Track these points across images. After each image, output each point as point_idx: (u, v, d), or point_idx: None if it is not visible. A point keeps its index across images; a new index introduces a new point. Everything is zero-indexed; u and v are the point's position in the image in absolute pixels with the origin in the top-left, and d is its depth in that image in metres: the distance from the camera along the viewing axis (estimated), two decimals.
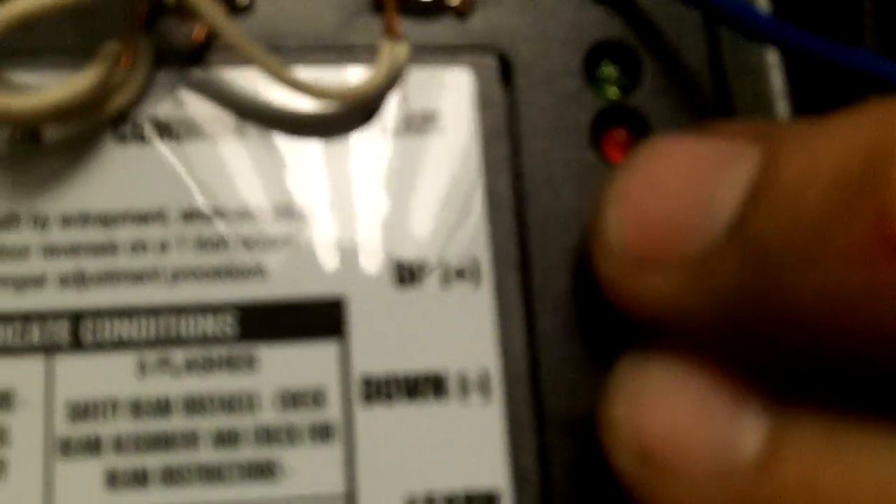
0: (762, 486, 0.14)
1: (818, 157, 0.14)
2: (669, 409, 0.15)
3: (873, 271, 0.13)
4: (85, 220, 0.17)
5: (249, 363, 0.17)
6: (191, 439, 0.17)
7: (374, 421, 0.17)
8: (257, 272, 0.17)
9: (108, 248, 0.17)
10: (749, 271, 0.14)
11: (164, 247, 0.17)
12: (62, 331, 0.17)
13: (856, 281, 0.13)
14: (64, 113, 0.17)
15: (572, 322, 0.18)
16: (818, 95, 0.19)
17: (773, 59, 0.20)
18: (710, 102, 0.19)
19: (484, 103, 0.19)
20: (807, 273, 0.13)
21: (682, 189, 0.16)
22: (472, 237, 0.18)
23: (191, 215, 0.18)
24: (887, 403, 0.14)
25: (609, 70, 0.20)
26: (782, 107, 0.19)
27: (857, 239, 0.13)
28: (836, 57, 0.17)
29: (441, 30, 0.19)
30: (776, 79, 0.20)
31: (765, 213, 0.14)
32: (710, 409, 0.15)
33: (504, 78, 0.19)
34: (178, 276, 0.17)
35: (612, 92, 0.20)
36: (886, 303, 0.13)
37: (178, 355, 0.17)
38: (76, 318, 0.17)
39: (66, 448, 0.17)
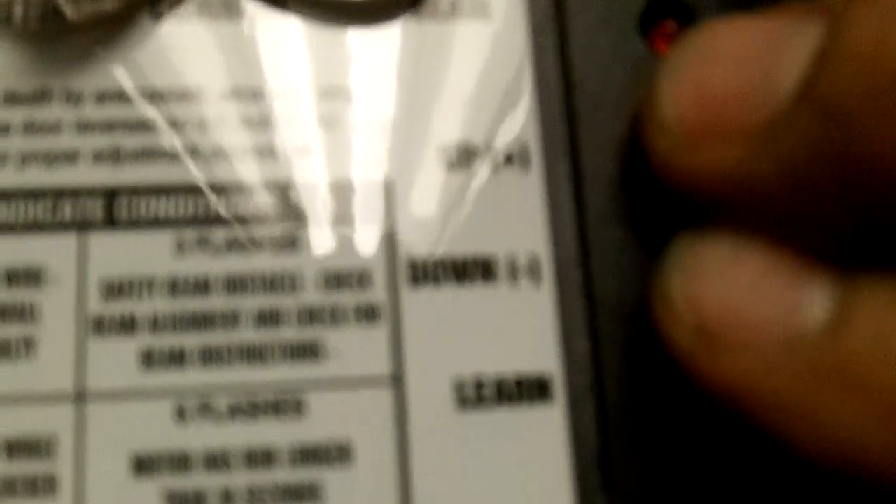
0: (833, 353, 0.13)
1: (892, 17, 0.13)
2: (728, 283, 0.14)
3: None
4: (121, 96, 0.16)
5: (292, 243, 0.16)
6: (231, 319, 0.16)
7: (422, 303, 0.16)
8: (301, 152, 0.16)
9: (146, 125, 0.16)
10: (823, 130, 0.13)
11: (203, 125, 0.16)
12: (96, 207, 0.16)
13: None
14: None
15: (622, 207, 0.17)
16: None
17: None
18: None
19: None
20: (886, 122, 0.13)
21: (741, 59, 0.15)
22: (522, 122, 0.17)
23: (231, 94, 0.16)
24: None
25: None
26: None
27: None
28: None
29: None
30: None
31: (838, 71, 0.13)
32: (771, 281, 0.14)
33: None
34: (218, 154, 0.16)
35: None
36: None
37: (219, 234, 0.16)
38: (111, 194, 0.16)
39: (100, 326, 0.15)
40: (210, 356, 0.15)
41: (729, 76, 0.15)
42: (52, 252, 0.16)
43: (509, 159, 0.17)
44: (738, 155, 0.14)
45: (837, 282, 0.14)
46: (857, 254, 0.14)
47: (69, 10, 0.16)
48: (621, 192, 0.17)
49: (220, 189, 0.16)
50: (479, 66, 0.17)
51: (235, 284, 0.16)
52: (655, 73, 0.16)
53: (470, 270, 0.16)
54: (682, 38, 0.16)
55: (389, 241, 0.16)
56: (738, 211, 0.15)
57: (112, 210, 0.16)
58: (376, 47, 0.17)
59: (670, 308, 0.15)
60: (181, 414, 0.15)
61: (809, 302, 0.14)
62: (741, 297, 0.14)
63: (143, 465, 0.15)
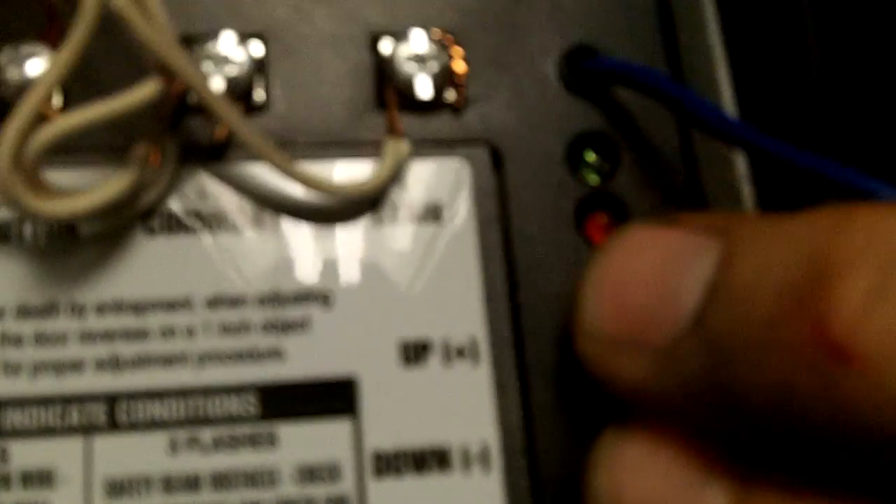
0: None
1: (769, 259, 0.15)
2: (643, 481, 0.16)
3: (816, 372, 0.13)
4: (118, 307, 0.18)
5: (271, 440, 0.18)
6: None
7: (385, 493, 0.18)
8: (277, 355, 0.18)
9: (140, 334, 0.18)
10: (709, 361, 0.15)
11: (191, 332, 0.18)
12: (99, 412, 0.17)
13: (801, 379, 0.14)
14: (99, 213, 0.18)
15: (566, 395, 0.19)
16: (781, 183, 0.20)
17: (740, 155, 0.20)
18: (682, 188, 0.20)
19: (478, 192, 0.19)
20: (758, 368, 0.14)
21: (650, 277, 0.16)
22: (471, 318, 0.19)
23: (215, 302, 0.18)
24: (837, 475, 0.14)
25: (590, 158, 0.20)
26: (747, 192, 0.20)
27: (802, 340, 0.13)
28: (797, 161, 0.17)
29: (438, 124, 0.20)
30: (741, 167, 0.20)
31: (721, 309, 0.15)
32: (678, 481, 0.16)
33: (495, 167, 0.20)
34: (205, 359, 0.18)
35: (594, 179, 0.20)
36: (828, 401, 0.13)
37: (207, 434, 0.18)
38: (112, 399, 0.18)
39: None
40: None
41: (639, 294, 0.16)
42: (61, 455, 0.17)
43: (461, 353, 0.18)
44: (644, 368, 0.16)
45: (734, 488, 0.15)
46: (752, 456, 0.16)
47: (85, 228, 0.18)
48: (563, 381, 0.19)
49: (205, 391, 0.18)
50: (433, 265, 0.19)
51: (222, 480, 0.17)
52: (580, 281, 0.17)
53: (427, 460, 0.18)
54: (604, 246, 0.17)
55: (356, 434, 0.18)
56: (652, 412, 0.16)
57: (114, 414, 0.17)
58: (340, 249, 0.19)
59: (596, 501, 0.16)
60: None
61: (708, 502, 0.15)
62: (654, 494, 0.16)
63: None
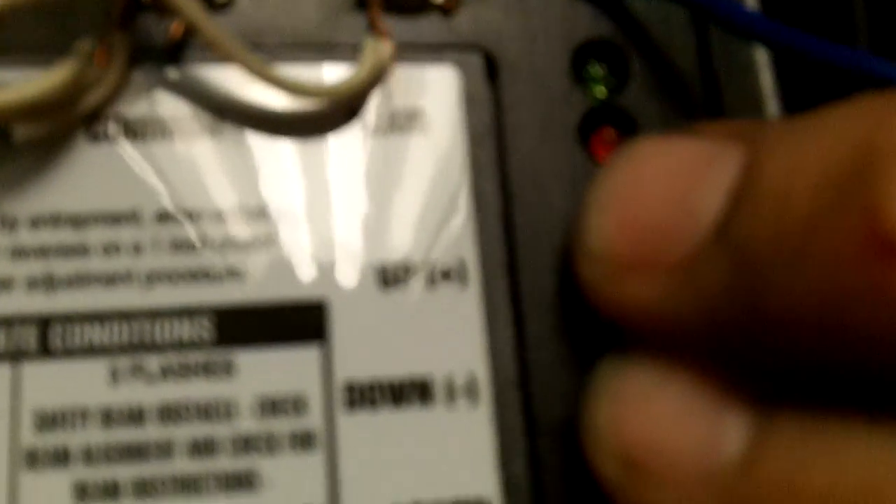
0: (746, 486, 0.13)
1: (805, 153, 0.13)
2: (651, 413, 0.14)
3: (866, 272, 0.12)
4: (55, 221, 0.16)
5: (227, 369, 0.15)
6: (165, 449, 0.15)
7: (358, 429, 0.15)
8: (235, 275, 0.16)
9: (80, 251, 0.16)
10: (736, 275, 0.13)
11: (137, 249, 0.16)
12: (29, 336, 0.15)
13: (847, 283, 0.12)
14: (35, 111, 0.15)
15: (562, 324, 0.16)
16: (809, 95, 0.18)
17: (762, 59, 0.18)
18: (698, 102, 0.18)
19: (469, 102, 0.17)
20: (796, 275, 0.12)
21: (664, 192, 0.14)
22: (459, 238, 0.16)
23: (165, 217, 0.16)
24: (871, 400, 0.13)
25: (597, 69, 0.18)
26: (772, 106, 0.18)
27: (847, 238, 0.12)
28: (826, 55, 0.15)
29: (426, 27, 0.18)
30: (766, 78, 0.18)
31: (749, 214, 0.13)
32: (691, 411, 0.14)
33: (490, 77, 0.17)
34: (153, 279, 0.16)
35: (600, 91, 0.18)
36: (879, 305, 0.12)
37: (153, 362, 0.15)
38: (44, 322, 0.15)
39: (33, 459, 0.15)
40: (144, 488, 0.15)
41: (652, 209, 0.14)
42: None
43: (446, 276, 0.16)
44: (658, 290, 0.14)
45: (753, 414, 0.14)
46: (776, 383, 0.14)
47: (19, 132, 0.16)
48: (561, 309, 0.16)
49: (153, 314, 0.15)
50: (416, 179, 0.17)
51: (170, 413, 0.15)
52: (584, 199, 0.15)
53: (407, 393, 0.15)
54: (611, 160, 0.15)
55: (325, 364, 0.15)
56: (662, 338, 0.14)
57: (46, 339, 0.15)
58: (310, 162, 0.16)
59: (596, 436, 0.15)
60: None
61: (726, 435, 0.14)
62: (664, 427, 0.14)
63: None
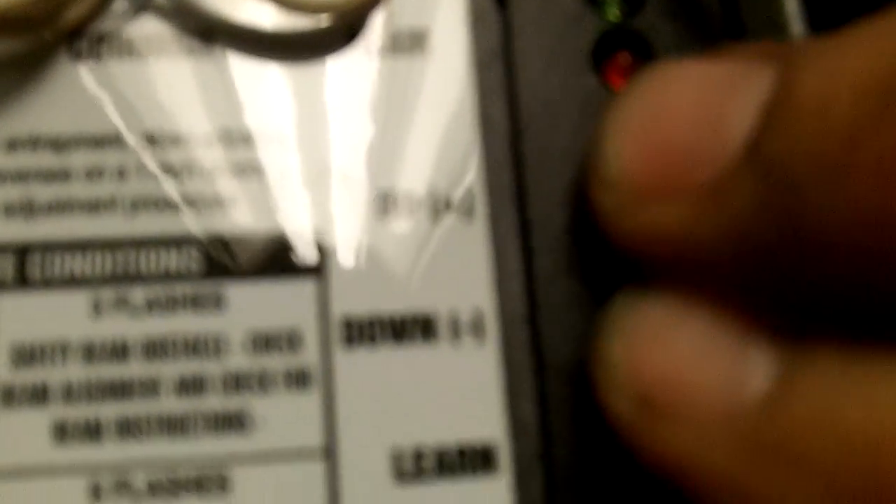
0: (772, 426, 0.12)
1: (843, 65, 0.12)
2: (669, 348, 0.13)
3: None
4: (34, 143, 0.15)
5: (217, 302, 0.14)
6: (151, 387, 0.14)
7: (356, 366, 0.14)
8: (226, 203, 0.15)
9: (60, 175, 0.15)
10: (770, 193, 0.12)
11: (122, 174, 0.15)
12: (6, 265, 0.14)
13: (887, 210, 0.11)
14: (11, 24, 0.14)
15: (573, 258, 0.15)
16: (836, 18, 0.17)
17: None
18: (718, 24, 0.17)
19: (477, 23, 0.16)
20: (837, 192, 0.11)
21: (689, 113, 0.13)
22: (464, 167, 0.15)
23: (152, 140, 0.15)
24: None
25: None
26: (797, 28, 0.17)
27: (891, 149, 0.11)
28: None
29: None
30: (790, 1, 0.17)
31: (784, 129, 0.12)
32: (713, 346, 0.13)
33: None
34: (138, 205, 0.14)
35: (614, 14, 0.17)
36: None
37: (138, 293, 0.14)
38: (22, 251, 0.14)
39: (9, 397, 0.14)
40: (128, 428, 0.14)
41: (676, 131, 0.13)
42: None
43: (451, 207, 0.15)
44: (682, 215, 0.13)
45: (780, 349, 0.13)
46: (806, 315, 0.13)
47: None
48: (572, 243, 0.15)
49: (138, 244, 0.14)
50: (419, 104, 0.15)
51: (156, 348, 0.14)
52: (601, 123, 0.14)
53: (409, 329, 0.14)
54: (630, 84, 0.14)
55: (322, 297, 0.14)
56: (683, 270, 0.14)
57: (24, 268, 0.14)
58: (307, 86, 0.15)
59: (610, 374, 0.14)
60: (96, 492, 0.14)
61: (751, 371, 0.13)
62: (683, 364, 0.13)
63: None
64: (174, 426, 0.14)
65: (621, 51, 0.17)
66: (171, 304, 0.14)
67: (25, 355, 0.14)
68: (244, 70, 0.15)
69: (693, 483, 0.13)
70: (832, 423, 0.12)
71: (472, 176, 0.15)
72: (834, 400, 0.12)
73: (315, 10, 0.15)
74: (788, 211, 0.12)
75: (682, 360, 0.13)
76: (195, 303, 0.14)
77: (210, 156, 0.15)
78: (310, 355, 0.14)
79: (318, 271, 0.15)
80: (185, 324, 0.14)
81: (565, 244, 0.15)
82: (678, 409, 0.13)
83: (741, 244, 0.13)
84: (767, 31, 0.17)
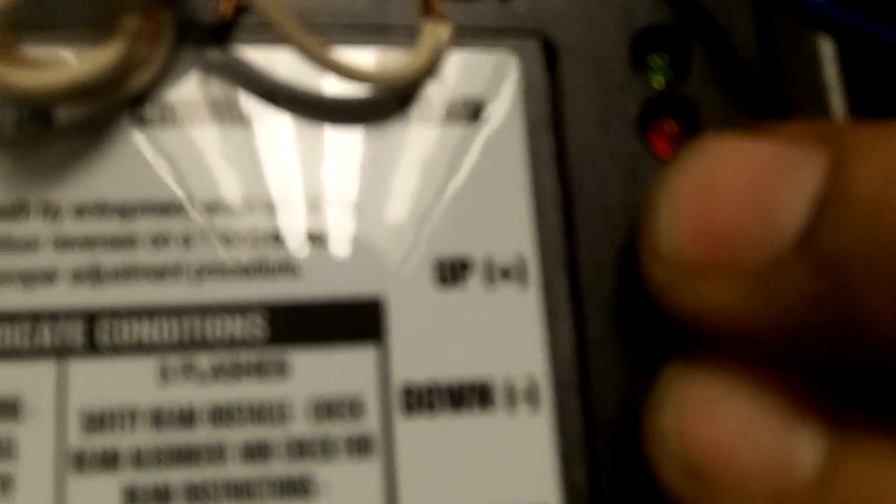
0: None
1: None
2: (721, 422, 0.14)
3: None
4: (101, 210, 0.15)
5: (280, 369, 0.14)
6: (217, 453, 0.14)
7: (416, 433, 0.14)
8: (289, 269, 0.15)
9: (127, 242, 0.15)
10: (822, 287, 0.12)
11: (187, 241, 0.15)
12: (76, 332, 0.14)
13: None
14: (79, 92, 0.14)
15: (624, 325, 0.15)
16: (875, 89, 0.17)
17: (827, 50, 0.17)
18: (761, 93, 0.17)
19: (528, 90, 0.16)
20: (887, 290, 0.12)
21: (741, 193, 0.14)
22: (518, 234, 0.15)
23: (217, 207, 0.15)
24: None
25: (657, 58, 0.17)
26: (837, 99, 0.17)
27: None
28: None
29: (483, 11, 0.17)
30: (831, 70, 0.17)
31: (839, 225, 0.12)
32: (763, 422, 0.13)
33: (548, 63, 0.16)
34: (203, 272, 0.15)
35: (660, 81, 0.17)
36: None
37: (204, 360, 0.14)
38: (91, 317, 0.14)
39: (80, 462, 0.14)
40: (195, 494, 0.14)
41: (728, 211, 0.14)
42: (29, 382, 0.14)
43: (506, 274, 0.15)
44: (734, 295, 0.13)
45: (830, 430, 0.13)
46: (854, 399, 0.13)
47: (62, 114, 0.15)
48: (622, 309, 0.15)
49: (204, 310, 0.14)
50: (474, 171, 0.16)
51: (222, 415, 0.14)
52: (652, 195, 0.14)
53: (466, 396, 0.15)
54: (681, 156, 0.14)
55: (382, 364, 0.15)
56: (732, 343, 0.14)
57: (93, 335, 0.14)
58: (364, 152, 0.15)
59: (661, 444, 0.14)
60: None
61: (799, 450, 0.13)
62: (732, 439, 0.13)
63: None
64: (240, 492, 0.14)
65: (667, 118, 0.17)
66: (236, 371, 0.14)
67: (95, 421, 0.14)
68: (303, 136, 0.15)
69: None
70: None
71: (525, 243, 0.15)
72: (880, 484, 0.12)
73: (373, 79, 0.15)
74: (840, 305, 0.12)
75: (733, 434, 0.13)
76: (259, 369, 0.14)
77: (272, 223, 0.15)
78: (371, 422, 0.14)
79: (379, 338, 0.15)
80: (250, 390, 0.14)
81: (616, 310, 0.16)
82: (727, 483, 0.13)
83: (789, 329, 0.13)
84: (809, 101, 0.17)
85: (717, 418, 0.14)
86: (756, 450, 0.13)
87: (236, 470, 0.14)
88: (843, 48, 0.17)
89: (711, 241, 0.14)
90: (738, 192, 0.14)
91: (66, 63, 0.14)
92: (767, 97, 0.17)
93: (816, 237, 0.13)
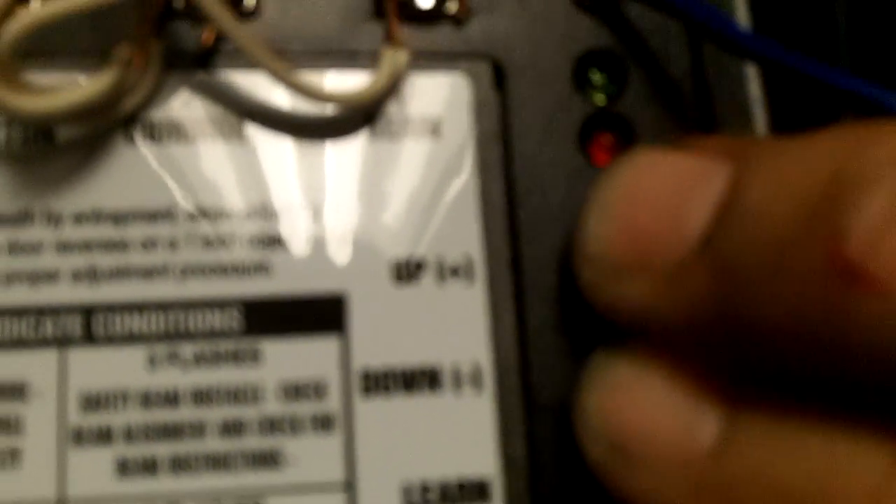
0: (717, 474, 0.14)
1: (785, 176, 0.14)
2: (636, 402, 0.15)
3: (830, 295, 0.12)
4: (97, 217, 0.17)
5: (254, 356, 0.16)
6: (198, 429, 0.16)
7: (373, 412, 0.16)
8: (262, 269, 0.17)
9: (120, 245, 0.17)
10: (718, 285, 0.14)
11: (172, 244, 0.17)
12: (75, 324, 0.16)
13: (814, 303, 0.13)
14: (78, 114, 0.16)
15: (560, 317, 0.17)
16: (794, 104, 0.19)
17: (752, 70, 0.19)
18: (691, 109, 0.19)
19: (479, 108, 0.18)
20: (771, 291, 0.13)
21: (659, 201, 0.15)
22: (467, 237, 0.17)
23: (199, 214, 0.17)
24: (833, 402, 0.14)
25: (597, 77, 0.19)
26: (760, 114, 0.19)
27: (815, 262, 0.13)
28: (811, 72, 0.16)
29: (439, 37, 0.18)
30: (754, 89, 0.19)
31: (730, 231, 0.14)
32: (671, 402, 0.15)
33: (497, 83, 0.18)
34: (187, 272, 0.17)
35: (600, 98, 0.19)
36: (841, 325, 0.12)
37: (187, 349, 0.16)
38: (88, 312, 0.16)
39: (79, 437, 0.16)
40: (179, 465, 0.16)
41: (647, 218, 0.15)
42: (34, 368, 0.16)
43: (455, 272, 0.17)
44: (647, 292, 0.15)
45: (726, 409, 0.15)
46: (749, 381, 0.15)
47: (62, 133, 0.17)
48: (559, 303, 0.17)
49: (187, 305, 0.16)
50: (428, 181, 0.18)
51: (202, 396, 0.16)
52: (585, 206, 0.16)
53: (418, 380, 0.17)
54: (610, 169, 0.16)
55: (344, 352, 0.17)
56: (649, 336, 0.15)
57: (90, 327, 0.16)
58: (329, 164, 0.17)
59: (587, 422, 0.16)
60: None
61: (702, 426, 0.15)
62: (646, 416, 0.15)
63: None
64: (218, 463, 0.16)
65: (605, 132, 0.19)
66: (215, 358, 0.16)
67: (92, 402, 0.16)
68: (276, 151, 0.17)
69: None
70: (765, 476, 0.14)
71: (472, 244, 0.17)
72: (765, 459, 0.14)
73: (337, 100, 0.17)
74: (731, 301, 0.14)
75: (646, 412, 0.15)
76: (236, 357, 0.16)
77: (248, 227, 0.17)
78: (333, 403, 0.16)
79: (341, 329, 0.17)
80: (227, 375, 0.16)
81: (553, 304, 0.17)
82: (642, 455, 0.15)
83: (692, 321, 0.15)
84: (734, 118, 0.19)
85: (633, 399, 0.15)
86: (665, 425, 0.15)
87: (215, 444, 0.16)
88: (765, 71, 0.19)
89: (631, 244, 0.15)
90: (656, 200, 0.15)
91: (65, 88, 0.16)
92: (696, 113, 0.19)
93: (715, 241, 0.14)
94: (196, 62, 0.18)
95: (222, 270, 0.17)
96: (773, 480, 0.14)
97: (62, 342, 0.16)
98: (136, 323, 0.16)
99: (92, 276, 0.16)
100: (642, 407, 0.15)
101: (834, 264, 0.12)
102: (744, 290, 0.14)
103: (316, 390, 0.16)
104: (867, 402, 0.13)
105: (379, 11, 0.18)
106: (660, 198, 0.15)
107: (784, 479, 0.13)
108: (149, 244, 0.17)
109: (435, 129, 0.18)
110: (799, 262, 0.13)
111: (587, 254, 0.16)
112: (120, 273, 0.16)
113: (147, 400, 0.16)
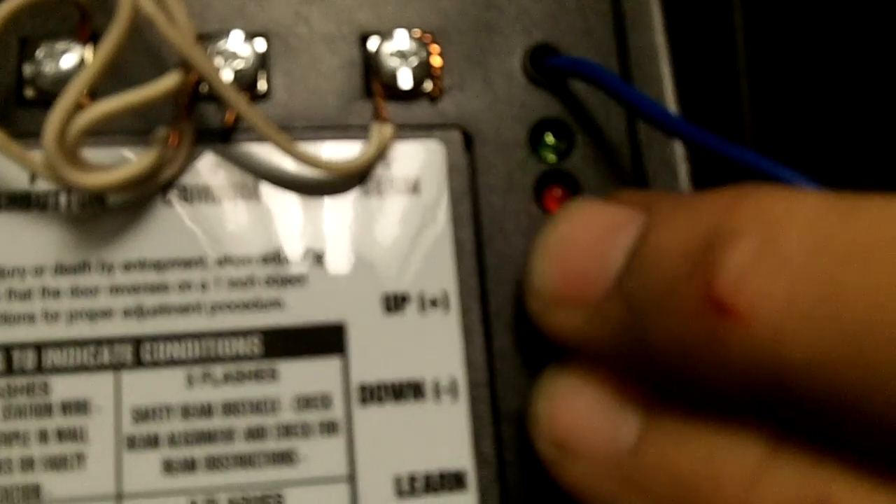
0: (637, 466, 0.16)
1: (677, 230, 0.16)
2: (574, 408, 0.18)
3: (704, 328, 0.14)
4: (142, 265, 0.20)
5: (272, 375, 0.20)
6: (228, 435, 0.20)
7: (369, 418, 0.20)
8: (276, 304, 0.20)
9: (161, 287, 0.20)
10: (626, 318, 0.16)
11: (204, 286, 0.20)
12: (126, 352, 0.20)
13: (693, 334, 0.15)
14: (126, 186, 0.20)
15: (521, 340, 0.21)
16: (710, 170, 0.22)
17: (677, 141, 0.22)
18: (627, 167, 0.22)
19: (451, 169, 0.22)
20: (660, 324, 0.15)
21: (588, 244, 0.18)
22: (444, 275, 0.21)
23: (224, 261, 0.20)
24: (722, 406, 0.16)
25: (549, 140, 0.22)
26: (684, 174, 0.22)
27: (692, 299, 0.15)
28: (718, 149, 0.18)
29: (418, 111, 0.22)
30: (680, 152, 0.22)
31: (635, 273, 0.16)
32: (602, 408, 0.17)
33: (467, 148, 0.22)
34: (216, 308, 0.20)
35: (551, 158, 0.22)
36: (715, 352, 0.15)
37: (218, 370, 0.20)
38: (137, 342, 0.20)
39: (132, 443, 0.19)
40: (213, 464, 0.20)
41: (579, 258, 0.18)
42: (95, 388, 0.20)
43: (434, 304, 0.21)
44: (578, 322, 0.18)
45: (643, 414, 0.17)
46: (661, 391, 0.17)
47: (112, 197, 0.21)
48: (521, 328, 0.21)
49: (217, 335, 0.20)
50: (410, 230, 0.21)
51: (231, 409, 0.20)
52: (531, 249, 0.19)
53: (405, 391, 0.20)
54: (551, 218, 0.19)
55: (344, 370, 0.20)
56: (584, 355, 0.18)
57: (139, 354, 0.20)
58: (330, 218, 0.21)
59: (536, 424, 0.18)
60: None
61: (623, 428, 0.17)
62: (582, 420, 0.17)
63: None
64: (244, 462, 0.20)
65: (556, 186, 0.22)
66: (241, 377, 0.20)
67: (141, 414, 0.20)
68: (287, 207, 0.21)
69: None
70: (670, 466, 0.16)
71: (448, 281, 0.21)
72: (673, 450, 0.16)
73: (334, 168, 0.21)
74: (637, 330, 0.16)
75: (581, 417, 0.17)
76: (257, 375, 0.20)
77: (264, 270, 0.21)
78: (337, 411, 0.20)
79: (342, 352, 0.20)
80: (251, 391, 0.20)
81: (515, 329, 0.21)
82: (579, 452, 0.17)
83: (613, 345, 0.17)
84: (662, 175, 0.22)
85: (572, 405, 0.18)
86: (596, 427, 0.17)
87: (242, 447, 0.20)
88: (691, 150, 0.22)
89: (564, 281, 0.18)
90: (587, 243, 0.18)
91: (117, 166, 0.20)
92: (631, 171, 0.22)
93: (625, 280, 0.16)
94: (220, 137, 0.21)
95: (244, 306, 0.20)
96: (676, 469, 0.16)
97: (116, 367, 0.20)
98: (175, 350, 0.20)
99: (139, 312, 0.20)
100: (578, 412, 0.17)
101: (708, 300, 0.14)
102: (643, 321, 0.16)
103: (323, 401, 0.20)
104: (746, 407, 0.15)
105: (368, 92, 0.22)
106: (588, 242, 0.18)
107: (683, 468, 0.16)
108: (184, 286, 0.20)
109: (415, 187, 0.22)
110: (682, 299, 0.15)
111: (532, 288, 0.19)
112: (162, 310, 0.20)
113: (186, 412, 0.20)
